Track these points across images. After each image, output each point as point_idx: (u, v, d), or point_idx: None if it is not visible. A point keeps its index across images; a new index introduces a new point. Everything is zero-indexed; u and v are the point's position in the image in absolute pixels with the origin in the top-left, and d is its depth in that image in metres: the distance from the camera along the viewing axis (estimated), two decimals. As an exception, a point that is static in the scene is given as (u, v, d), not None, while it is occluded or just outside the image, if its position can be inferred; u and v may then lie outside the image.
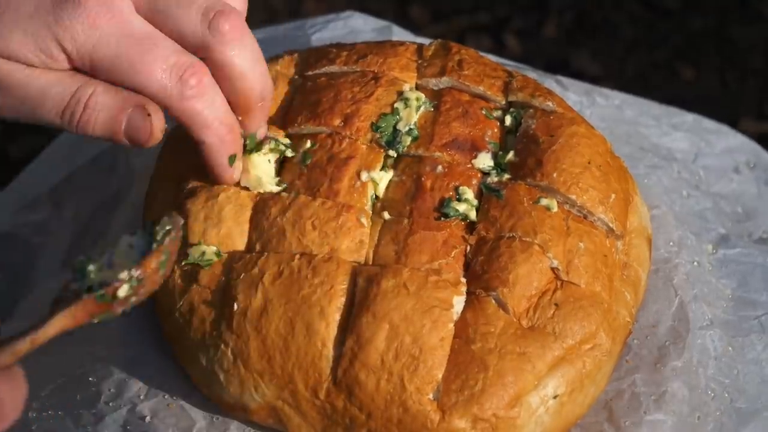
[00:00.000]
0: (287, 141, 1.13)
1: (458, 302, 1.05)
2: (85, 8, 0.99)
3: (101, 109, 1.01)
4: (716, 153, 1.33)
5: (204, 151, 1.06)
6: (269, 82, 1.07)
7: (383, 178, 1.12)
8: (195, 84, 1.02)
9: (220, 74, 1.04)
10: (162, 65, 1.01)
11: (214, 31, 1.02)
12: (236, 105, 1.06)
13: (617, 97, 1.35)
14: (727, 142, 1.34)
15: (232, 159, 1.07)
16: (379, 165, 1.12)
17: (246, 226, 1.09)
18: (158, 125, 1.02)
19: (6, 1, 1.00)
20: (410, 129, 1.14)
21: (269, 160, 1.11)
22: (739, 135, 1.35)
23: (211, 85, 1.03)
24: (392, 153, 1.13)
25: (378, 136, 1.13)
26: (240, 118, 1.07)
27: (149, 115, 1.01)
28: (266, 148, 1.11)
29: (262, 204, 1.10)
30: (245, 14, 1.07)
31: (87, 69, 1.01)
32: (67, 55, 1.00)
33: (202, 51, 1.03)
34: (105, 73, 1.01)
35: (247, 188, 1.11)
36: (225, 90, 1.05)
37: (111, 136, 1.02)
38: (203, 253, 1.08)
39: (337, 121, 1.13)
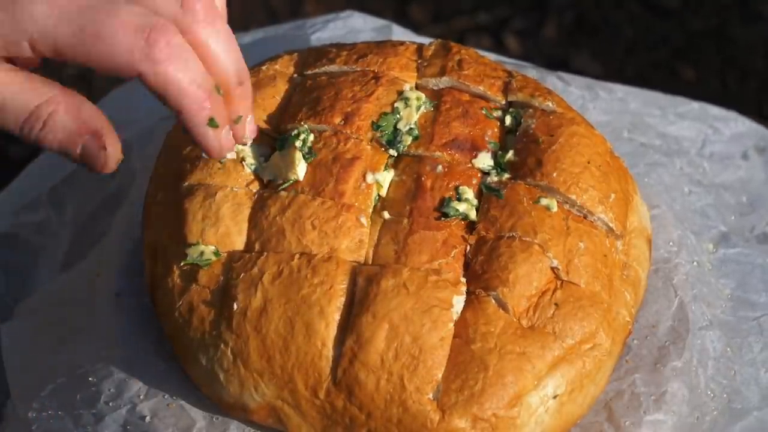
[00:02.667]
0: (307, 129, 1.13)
1: (458, 302, 1.05)
2: None
3: (59, 130, 0.97)
4: (724, 140, 1.33)
5: (184, 120, 0.99)
6: (245, 66, 1.02)
7: (386, 178, 1.12)
8: (164, 46, 0.95)
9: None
10: (126, 29, 0.94)
11: (187, 10, 0.98)
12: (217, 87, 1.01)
13: (620, 90, 1.35)
14: (736, 128, 1.34)
15: (213, 122, 0.99)
16: (383, 166, 1.12)
17: (244, 225, 1.09)
18: (113, 156, 0.97)
19: None
20: (411, 128, 1.14)
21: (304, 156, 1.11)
22: (747, 120, 1.34)
23: (183, 46, 0.96)
24: (393, 152, 1.13)
25: (378, 135, 1.13)
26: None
27: (105, 148, 0.97)
28: (300, 140, 1.11)
29: (260, 203, 1.10)
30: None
31: (52, 54, 0.96)
32: (32, 44, 0.95)
33: None
34: (71, 54, 0.95)
35: (245, 186, 1.11)
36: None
37: (66, 156, 0.98)
38: (201, 253, 1.08)
39: (338, 120, 1.13)
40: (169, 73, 0.95)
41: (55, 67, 2.03)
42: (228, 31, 1.01)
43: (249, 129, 1.04)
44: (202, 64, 0.98)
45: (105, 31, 0.94)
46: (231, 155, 1.05)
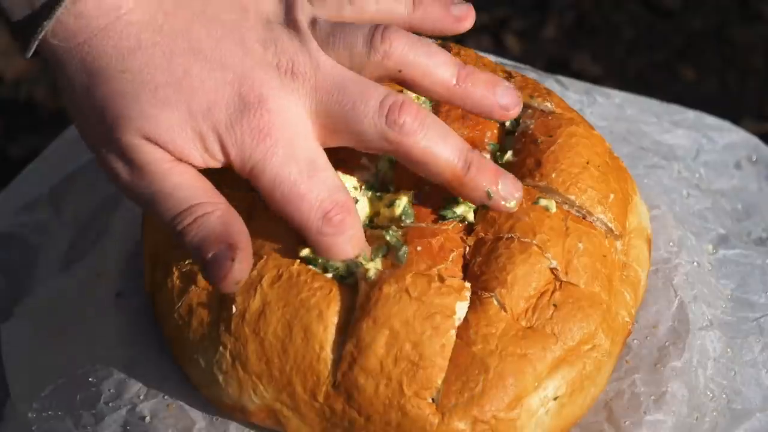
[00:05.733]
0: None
1: (461, 308, 1.05)
2: (260, 120, 1.01)
3: (203, 231, 1.02)
4: (718, 149, 1.33)
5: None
6: (465, 148, 1.06)
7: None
8: (337, 223, 1.03)
9: (411, 163, 1.05)
10: (310, 203, 1.02)
11: (393, 125, 1.02)
12: (445, 184, 1.07)
13: (618, 96, 1.35)
14: (729, 138, 1.34)
15: None
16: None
17: (242, 227, 1.09)
18: (236, 275, 1.01)
19: (185, 93, 1.01)
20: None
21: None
22: (741, 130, 1.35)
23: (352, 223, 1.04)
24: None
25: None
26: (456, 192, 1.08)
27: (233, 260, 1.01)
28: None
29: (254, 206, 1.09)
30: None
31: (245, 176, 1.03)
32: (228, 160, 1.02)
33: (386, 145, 1.04)
34: (257, 189, 1.03)
35: (243, 187, 1.11)
36: (425, 174, 1.06)
37: (196, 259, 1.02)
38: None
39: (337, 121, 1.13)
40: (327, 244, 1.04)
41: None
42: (436, 124, 1.05)
43: None
44: (423, 168, 1.05)
45: (293, 198, 1.02)
46: None
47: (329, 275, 1.06)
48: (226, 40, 1.02)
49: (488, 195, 1.07)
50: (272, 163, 1.02)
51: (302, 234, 1.04)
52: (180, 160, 1.03)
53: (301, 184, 1.02)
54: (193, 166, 1.04)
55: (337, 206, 1.03)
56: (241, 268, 1.01)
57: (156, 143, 1.02)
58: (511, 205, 1.08)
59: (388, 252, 1.07)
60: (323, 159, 1.04)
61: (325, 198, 1.03)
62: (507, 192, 1.07)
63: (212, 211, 1.02)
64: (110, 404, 1.09)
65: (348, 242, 1.04)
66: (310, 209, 1.02)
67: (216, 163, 1.03)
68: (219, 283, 1.01)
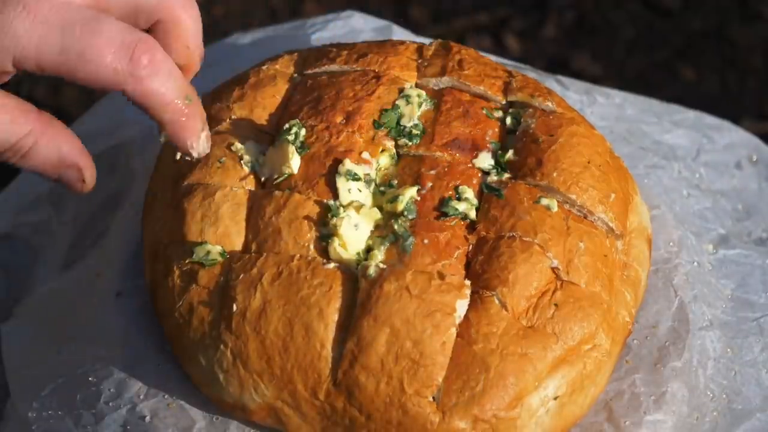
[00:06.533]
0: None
1: (461, 306, 1.05)
2: (24, 6, 0.95)
3: (40, 160, 0.99)
4: (718, 149, 1.33)
5: (169, 130, 1.00)
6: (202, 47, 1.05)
7: (385, 165, 1.12)
8: (147, 62, 0.97)
9: (173, 34, 1.01)
10: (110, 48, 0.96)
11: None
12: (182, 66, 1.03)
13: (618, 96, 1.35)
14: (730, 138, 1.34)
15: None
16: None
17: (243, 225, 1.09)
18: (90, 182, 1.01)
19: None
20: (416, 124, 1.14)
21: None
22: (740, 130, 1.35)
23: (165, 59, 0.98)
24: (404, 141, 1.13)
25: (382, 133, 1.13)
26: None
27: (83, 181, 1.00)
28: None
29: (256, 203, 1.09)
30: None
31: (36, 71, 0.97)
32: (15, 63, 0.96)
33: (154, 13, 1.00)
34: (54, 71, 0.97)
35: (243, 186, 1.11)
36: (175, 51, 1.02)
37: (48, 179, 1.01)
38: (208, 253, 1.08)
39: (340, 118, 1.13)
40: (151, 88, 0.98)
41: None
42: (199, 13, 1.03)
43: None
44: (180, 43, 1.02)
45: (89, 52, 0.96)
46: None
47: (332, 266, 1.06)
48: None
49: None
50: (53, 41, 0.95)
51: (120, 90, 0.97)
52: None
53: (91, 39, 0.95)
54: None
55: (140, 43, 0.97)
56: (91, 177, 1.00)
57: None
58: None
59: (395, 241, 1.07)
60: (103, 15, 0.98)
61: (123, 39, 0.96)
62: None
63: (36, 141, 0.98)
64: (110, 404, 1.09)
65: (169, 79, 0.98)
66: (110, 55, 0.96)
67: (7, 70, 0.97)
68: (80, 193, 1.01)
